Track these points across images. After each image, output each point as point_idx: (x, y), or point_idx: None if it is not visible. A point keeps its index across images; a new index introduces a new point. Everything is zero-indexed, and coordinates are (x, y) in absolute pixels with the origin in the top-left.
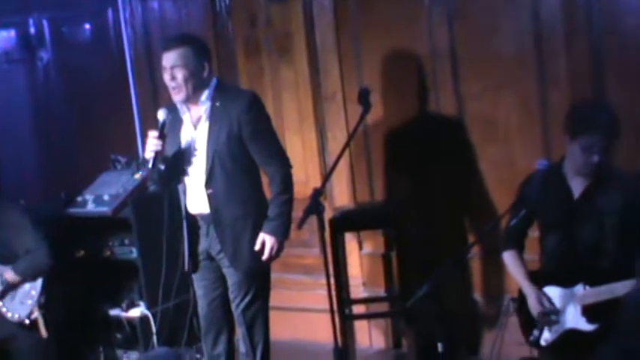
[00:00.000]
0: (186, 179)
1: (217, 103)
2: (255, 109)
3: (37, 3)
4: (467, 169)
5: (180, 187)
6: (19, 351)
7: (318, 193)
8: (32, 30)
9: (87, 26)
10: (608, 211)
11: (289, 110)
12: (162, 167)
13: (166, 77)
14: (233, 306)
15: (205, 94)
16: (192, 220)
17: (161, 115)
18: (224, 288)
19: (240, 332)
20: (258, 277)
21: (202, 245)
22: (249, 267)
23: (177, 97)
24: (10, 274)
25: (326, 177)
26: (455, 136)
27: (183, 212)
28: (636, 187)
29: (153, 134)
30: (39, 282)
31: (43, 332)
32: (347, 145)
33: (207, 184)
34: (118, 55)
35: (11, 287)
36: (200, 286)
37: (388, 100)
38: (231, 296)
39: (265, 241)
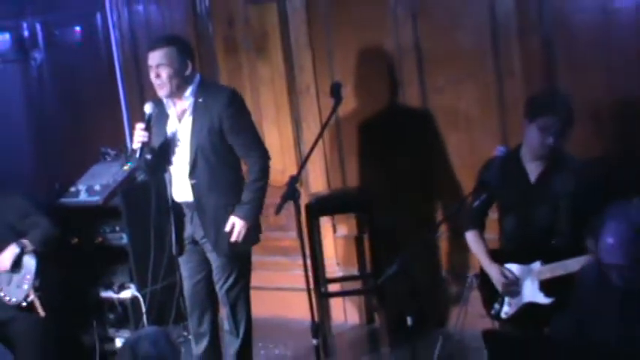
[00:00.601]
0: (172, 169)
1: (200, 99)
2: (235, 105)
3: (30, 8)
4: (432, 156)
5: (166, 176)
6: (18, 332)
7: (294, 180)
8: (26, 33)
9: (77, 29)
10: (562, 194)
11: (266, 103)
12: (149, 157)
13: (152, 75)
14: (217, 287)
15: (189, 91)
16: (177, 207)
17: (148, 108)
18: (208, 270)
19: (224, 311)
20: (240, 261)
21: (187, 231)
22: (230, 251)
23: (162, 93)
24: (26, 241)
25: (301, 165)
26: (420, 125)
27: (170, 200)
28: (587, 172)
29: (140, 126)
30: (33, 266)
31: (41, 312)
32: (320, 135)
33: (191, 175)
34: (106, 55)
35: (16, 265)
36: (185, 268)
37: (358, 92)
38: (215, 278)
39: (235, 223)
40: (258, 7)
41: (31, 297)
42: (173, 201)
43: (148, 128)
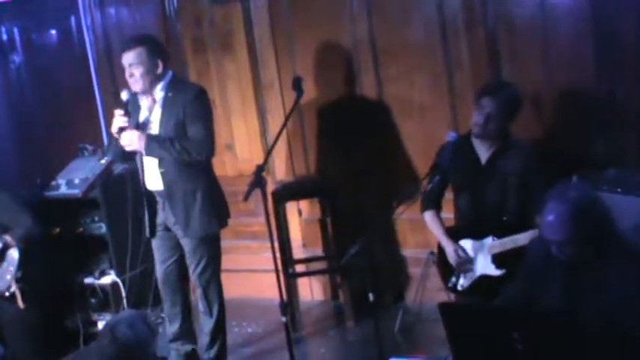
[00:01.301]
0: (144, 159)
1: (170, 94)
2: (200, 100)
3: (7, 13)
4: (388, 142)
5: (138, 164)
6: (5, 320)
7: (260, 169)
8: (4, 37)
9: (53, 32)
10: (510, 174)
11: (233, 98)
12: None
13: (127, 74)
14: (190, 271)
15: (160, 86)
16: (150, 194)
17: (124, 95)
18: (179, 255)
19: (197, 293)
20: (209, 245)
21: (160, 217)
22: (199, 235)
23: (135, 88)
24: (8, 238)
25: (267, 154)
26: (376, 114)
27: (142, 188)
28: (532, 154)
29: (119, 112)
30: (16, 259)
31: (20, 304)
32: (284, 126)
33: (160, 164)
34: (81, 56)
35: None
36: (158, 253)
37: (319, 85)
38: (187, 262)
39: (136, 133)
40: (223, 7)
41: (13, 288)
42: (146, 188)
43: (126, 113)
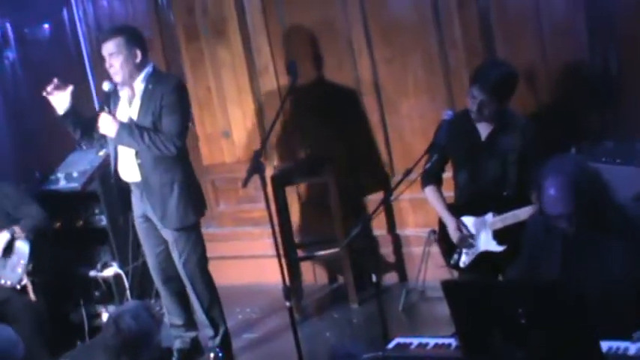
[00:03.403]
0: (120, 149)
1: (150, 86)
2: (177, 92)
3: None
4: (385, 122)
5: (112, 155)
6: (13, 312)
7: (258, 155)
8: None
9: (45, 26)
10: (509, 150)
11: (229, 86)
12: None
13: (107, 65)
14: (175, 263)
15: (141, 77)
16: (123, 185)
17: (106, 86)
18: (167, 244)
19: (186, 285)
20: (188, 236)
21: (139, 209)
22: (175, 226)
23: (117, 79)
24: (18, 229)
25: (264, 140)
26: (372, 95)
27: (113, 178)
28: (532, 129)
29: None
30: (26, 251)
31: (32, 296)
32: (280, 110)
33: (137, 155)
34: (74, 48)
35: (9, 250)
36: (146, 245)
37: (313, 68)
38: (172, 255)
39: (109, 118)
40: None
41: (25, 281)
42: (118, 178)
43: (107, 104)
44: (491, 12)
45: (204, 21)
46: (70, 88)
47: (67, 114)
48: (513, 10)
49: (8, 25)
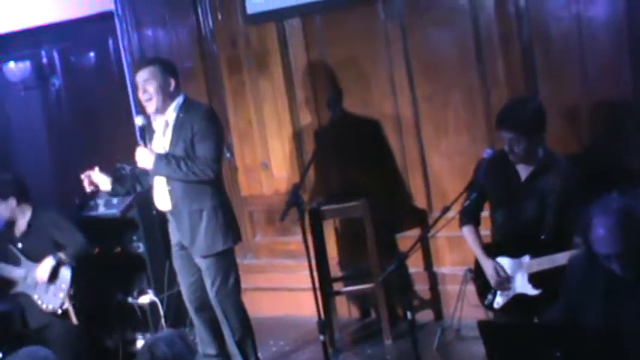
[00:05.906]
0: (155, 179)
1: (181, 115)
2: (208, 119)
3: (47, 37)
4: (424, 159)
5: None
6: (53, 338)
7: (297, 188)
8: (44, 60)
9: (91, 54)
10: (549, 192)
11: (269, 118)
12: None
13: (140, 92)
14: (208, 292)
15: (173, 107)
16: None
17: (139, 120)
18: (200, 273)
19: (218, 315)
20: (220, 264)
21: (176, 237)
22: (203, 253)
23: (150, 108)
24: (63, 255)
25: (303, 173)
26: (413, 131)
27: (154, 209)
28: (573, 172)
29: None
30: (68, 276)
31: (74, 320)
32: (320, 144)
33: (167, 182)
34: (118, 77)
35: (53, 275)
36: (180, 274)
37: (354, 103)
38: (205, 284)
39: (146, 150)
40: (258, 27)
41: (66, 305)
42: (157, 209)
43: (143, 138)
44: (534, 50)
45: (247, 53)
46: (97, 169)
47: (113, 187)
48: (557, 47)
49: (55, 54)
